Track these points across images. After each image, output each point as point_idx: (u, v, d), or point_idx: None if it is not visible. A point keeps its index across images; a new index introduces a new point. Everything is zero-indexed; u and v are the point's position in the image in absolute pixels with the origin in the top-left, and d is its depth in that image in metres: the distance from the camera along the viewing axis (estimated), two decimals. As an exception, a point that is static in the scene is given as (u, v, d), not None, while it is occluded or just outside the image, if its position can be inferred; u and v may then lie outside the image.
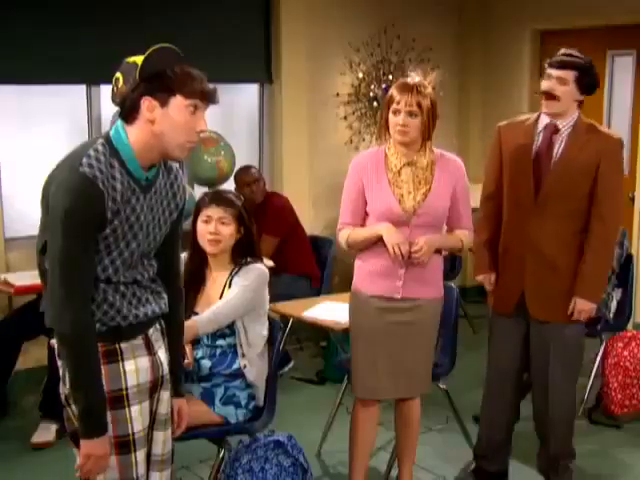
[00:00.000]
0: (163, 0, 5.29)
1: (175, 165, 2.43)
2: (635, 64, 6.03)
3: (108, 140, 2.22)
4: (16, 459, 4.02)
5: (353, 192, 3.32)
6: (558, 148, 3.41)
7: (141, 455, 2.33)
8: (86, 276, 2.19)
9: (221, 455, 3.21)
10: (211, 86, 2.25)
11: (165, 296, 2.44)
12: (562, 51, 3.45)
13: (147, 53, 2.19)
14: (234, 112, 6.00)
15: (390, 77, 6.29)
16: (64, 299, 2.16)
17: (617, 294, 4.67)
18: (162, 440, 2.40)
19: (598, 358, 4.58)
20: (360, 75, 6.23)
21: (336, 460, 3.99)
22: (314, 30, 5.93)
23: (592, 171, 3.36)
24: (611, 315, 4.62)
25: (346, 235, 3.34)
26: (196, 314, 3.20)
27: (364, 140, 6.31)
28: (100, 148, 2.19)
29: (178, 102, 2.19)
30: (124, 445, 2.29)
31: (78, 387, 2.21)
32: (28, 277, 4.34)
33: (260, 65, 5.85)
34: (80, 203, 2.12)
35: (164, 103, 2.18)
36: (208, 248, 3.26)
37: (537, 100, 6.55)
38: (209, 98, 2.24)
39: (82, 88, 5.19)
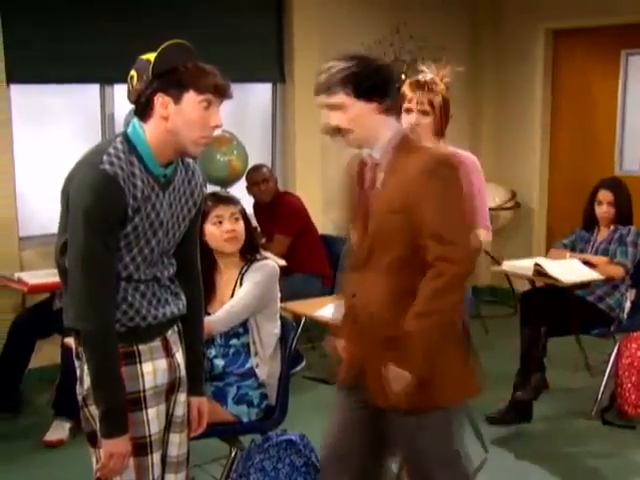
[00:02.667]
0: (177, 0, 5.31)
1: (192, 162, 2.43)
2: (650, 63, 6.00)
3: (126, 138, 2.23)
4: (29, 457, 4.04)
5: None
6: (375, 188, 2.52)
7: (157, 457, 2.33)
8: (108, 274, 2.19)
9: (233, 454, 3.21)
10: (224, 81, 2.23)
11: (183, 297, 2.43)
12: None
13: (160, 49, 2.19)
14: (247, 112, 6.00)
15: (403, 77, 6.26)
16: (87, 298, 2.16)
17: (631, 294, 4.64)
18: (177, 442, 2.40)
19: (612, 358, 4.55)
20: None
21: (348, 460, 3.98)
22: (327, 30, 5.93)
23: (407, 206, 2.41)
24: (625, 315, 4.59)
25: None
26: (209, 315, 3.19)
27: (377, 140, 6.29)
28: (119, 146, 2.20)
29: (191, 98, 2.19)
30: (141, 447, 2.29)
31: (100, 387, 2.21)
32: (42, 275, 4.37)
33: (273, 65, 5.85)
34: (102, 201, 2.13)
35: (177, 99, 2.18)
36: (228, 248, 3.24)
37: (549, 99, 6.58)
38: (222, 93, 2.22)
39: (96, 87, 5.20)
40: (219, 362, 3.23)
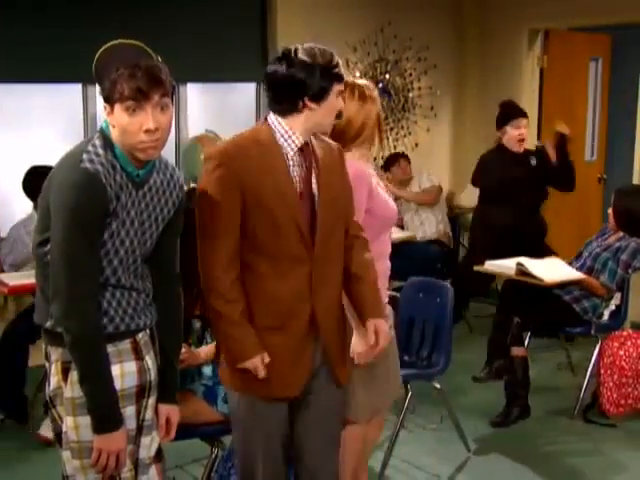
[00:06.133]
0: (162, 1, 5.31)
1: (171, 163, 2.41)
2: None
3: (102, 133, 2.23)
4: (18, 456, 4.00)
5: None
6: (316, 174, 2.52)
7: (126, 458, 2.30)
8: (92, 275, 2.18)
9: (214, 455, 3.20)
10: (151, 81, 2.14)
11: (154, 311, 2.39)
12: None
13: (96, 56, 2.20)
14: (231, 111, 5.99)
15: (387, 76, 6.28)
16: (71, 298, 2.15)
17: (616, 298, 4.62)
18: (148, 445, 2.36)
19: (594, 357, 4.57)
20: (357, 74, 6.22)
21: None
22: (311, 29, 5.91)
23: (346, 192, 2.61)
24: (600, 320, 4.57)
25: None
26: (196, 317, 3.18)
27: (361, 139, 6.30)
28: (97, 142, 2.20)
29: (118, 106, 2.17)
30: None
31: (86, 384, 2.20)
32: (22, 276, 4.34)
33: (257, 64, 5.84)
34: (86, 199, 2.12)
35: (111, 108, 2.19)
36: None
37: (535, 98, 6.58)
38: (147, 95, 2.14)
39: (78, 87, 5.19)
40: (207, 369, 3.21)
